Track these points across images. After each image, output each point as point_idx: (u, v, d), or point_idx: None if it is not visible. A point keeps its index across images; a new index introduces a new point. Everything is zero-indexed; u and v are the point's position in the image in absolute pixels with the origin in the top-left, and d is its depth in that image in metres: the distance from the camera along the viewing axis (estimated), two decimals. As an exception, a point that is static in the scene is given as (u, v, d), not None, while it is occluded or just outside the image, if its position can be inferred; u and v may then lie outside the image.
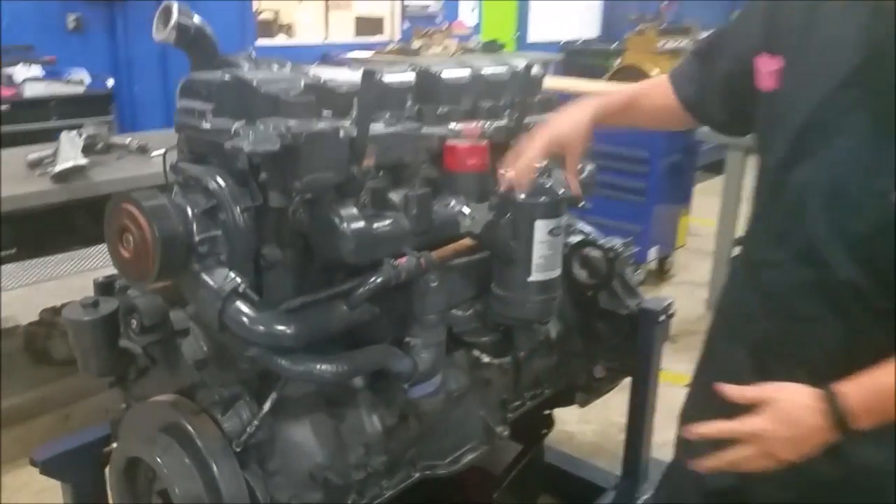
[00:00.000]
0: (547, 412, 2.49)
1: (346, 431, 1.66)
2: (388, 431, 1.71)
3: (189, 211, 1.38)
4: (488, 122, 1.87)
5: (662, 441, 2.40)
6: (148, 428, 1.51)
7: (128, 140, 3.08)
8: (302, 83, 1.49)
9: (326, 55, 7.66)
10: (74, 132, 2.79)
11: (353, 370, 1.51)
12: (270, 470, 1.54)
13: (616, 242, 2.17)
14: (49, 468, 1.74)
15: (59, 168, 2.59)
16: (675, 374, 3.49)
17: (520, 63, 2.02)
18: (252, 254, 1.46)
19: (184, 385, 1.57)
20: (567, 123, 1.54)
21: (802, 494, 1.30)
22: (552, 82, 5.18)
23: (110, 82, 5.40)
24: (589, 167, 2.13)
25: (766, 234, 1.33)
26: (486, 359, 1.89)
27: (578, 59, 9.49)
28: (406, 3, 9.27)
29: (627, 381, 2.36)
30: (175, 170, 1.48)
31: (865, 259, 1.18)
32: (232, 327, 1.39)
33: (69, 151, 2.65)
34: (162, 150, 1.63)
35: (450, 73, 1.84)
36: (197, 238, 1.38)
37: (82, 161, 2.64)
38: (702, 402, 1.54)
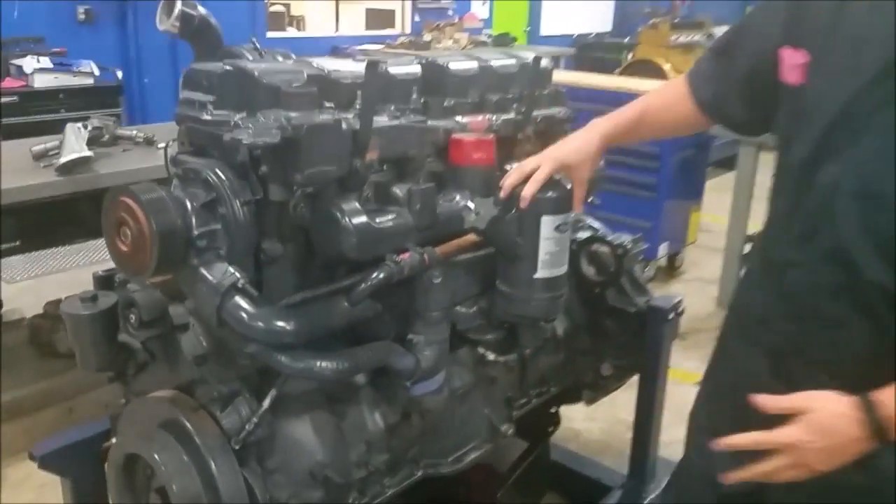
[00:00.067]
0: (553, 410, 2.46)
1: (347, 429, 1.63)
2: (390, 429, 1.69)
3: (188, 204, 1.35)
4: (496, 116, 1.84)
5: (670, 439, 2.38)
6: (146, 424, 1.49)
7: (134, 132, 3.06)
8: (305, 74, 1.46)
9: (336, 48, 7.64)
10: (80, 124, 2.77)
11: (355, 368, 1.48)
12: (270, 468, 1.52)
13: (625, 239, 2.14)
14: (48, 463, 1.72)
15: (63, 160, 2.57)
16: (684, 372, 3.48)
17: (529, 55, 1.98)
18: (252, 248, 1.44)
19: (183, 381, 1.54)
20: (574, 148, 1.54)
21: (820, 498, 1.26)
22: (564, 76, 5.15)
23: (119, 74, 5.37)
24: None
25: (789, 234, 1.28)
26: (491, 356, 1.86)
27: (591, 54, 9.44)
28: (417, -5, 9.23)
29: (635, 378, 2.33)
30: (175, 162, 1.46)
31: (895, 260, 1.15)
32: (231, 323, 1.36)
33: (74, 143, 2.63)
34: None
35: (456, 65, 1.81)
36: (196, 232, 1.35)
37: (87, 153, 2.62)
38: (714, 403, 1.51)
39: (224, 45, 1.73)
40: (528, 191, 1.50)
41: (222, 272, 1.36)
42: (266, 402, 1.47)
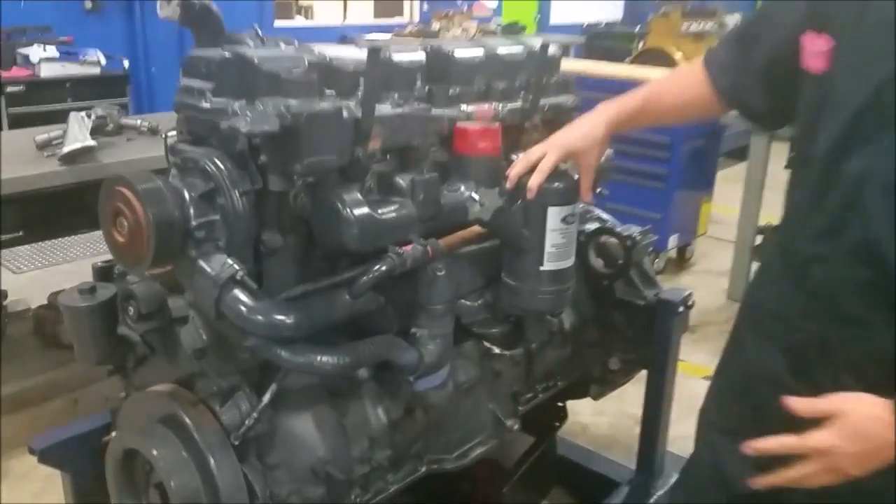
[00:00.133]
0: (560, 404, 2.43)
1: (349, 424, 1.61)
2: (393, 424, 1.66)
3: (186, 194, 1.32)
4: (502, 104, 1.81)
5: (679, 434, 2.35)
6: (145, 419, 1.47)
7: (138, 121, 3.03)
8: (306, 61, 1.43)
9: (344, 37, 7.55)
10: (83, 113, 2.74)
11: (356, 362, 1.45)
12: (270, 464, 1.49)
13: (634, 230, 2.10)
14: (48, 457, 1.70)
15: (66, 149, 2.55)
16: (693, 366, 3.45)
17: (536, 42, 1.94)
18: (251, 240, 1.40)
19: (183, 374, 1.52)
20: (580, 135, 1.50)
21: (838, 500, 1.23)
22: (574, 65, 5.10)
23: (126, 63, 5.36)
24: (607, 152, 2.05)
25: (812, 228, 1.24)
26: (496, 350, 1.83)
27: (601, 42, 9.36)
28: (426, -16, 9.17)
29: (644, 372, 2.30)
30: (173, 151, 1.42)
31: None
32: (229, 316, 1.33)
33: (77, 132, 2.61)
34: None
35: (462, 53, 1.77)
36: (194, 223, 1.31)
37: (90, 142, 2.60)
38: (726, 401, 1.47)
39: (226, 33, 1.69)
40: (535, 181, 1.46)
41: (221, 264, 1.33)
42: (266, 397, 1.45)
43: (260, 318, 1.33)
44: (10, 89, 4.62)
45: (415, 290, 1.55)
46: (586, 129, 1.50)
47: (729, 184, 5.21)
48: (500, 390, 1.93)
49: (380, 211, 1.45)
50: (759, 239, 4.32)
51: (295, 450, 1.53)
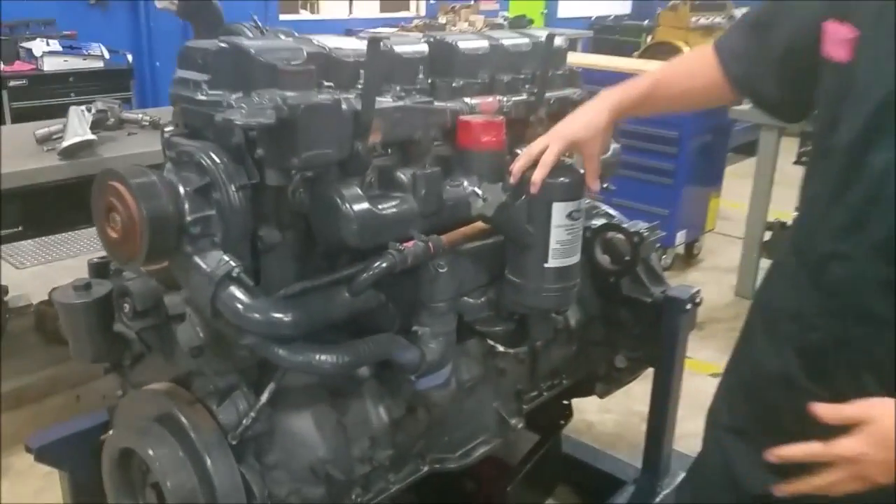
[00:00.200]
0: (565, 402, 2.40)
1: (350, 423, 1.58)
2: (395, 423, 1.63)
3: (180, 189, 1.29)
4: (506, 97, 1.77)
5: (685, 432, 2.33)
6: (141, 418, 1.44)
7: (140, 115, 3.01)
8: (304, 52, 1.39)
9: (350, 31, 7.55)
10: (83, 107, 2.72)
11: (356, 361, 1.42)
12: (269, 464, 1.46)
13: (641, 226, 2.07)
14: (45, 455, 1.68)
15: (66, 143, 2.52)
16: (701, 363, 3.42)
17: (542, 34, 1.90)
18: (248, 236, 1.37)
19: (180, 373, 1.49)
20: (582, 124, 1.45)
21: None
22: (581, 59, 5.06)
23: (130, 57, 5.33)
24: (614, 146, 2.02)
25: (832, 224, 1.19)
26: (500, 348, 1.80)
27: (609, 36, 9.31)
28: (433, -23, 9.11)
29: (650, 369, 2.26)
30: (168, 145, 1.39)
31: None
32: (225, 314, 1.30)
33: (77, 127, 2.58)
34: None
35: (466, 44, 1.74)
36: (189, 218, 1.29)
37: (90, 136, 2.57)
38: (737, 402, 1.43)
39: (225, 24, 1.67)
40: (538, 175, 1.42)
41: (217, 261, 1.30)
42: (264, 396, 1.42)
43: (257, 316, 1.30)
44: (12, 83, 4.59)
45: (416, 287, 1.52)
46: (589, 118, 1.46)
47: (738, 179, 5.17)
48: (504, 389, 1.90)
49: (380, 206, 1.42)
50: (767, 235, 4.29)
51: (294, 449, 1.50)
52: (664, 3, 7.86)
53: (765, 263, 4.30)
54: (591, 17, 10.26)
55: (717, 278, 4.58)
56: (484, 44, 1.78)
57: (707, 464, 1.52)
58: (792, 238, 1.34)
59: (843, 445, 1.07)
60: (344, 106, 1.34)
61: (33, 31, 5.07)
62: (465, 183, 1.58)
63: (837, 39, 1.15)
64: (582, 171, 1.49)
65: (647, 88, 1.47)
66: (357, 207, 1.37)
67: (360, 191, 1.40)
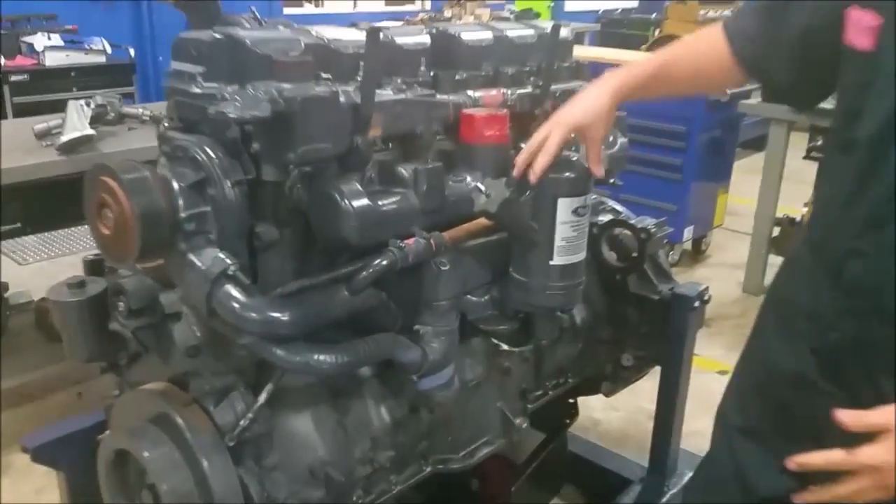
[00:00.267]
0: (571, 401, 2.36)
1: (350, 424, 1.54)
2: (396, 424, 1.60)
3: (174, 185, 1.25)
4: (511, 90, 1.73)
5: (692, 430, 2.30)
6: (136, 419, 1.41)
7: (140, 110, 2.97)
8: (302, 43, 1.35)
9: (355, 25, 7.50)
10: (82, 101, 2.69)
11: (356, 361, 1.38)
12: (267, 465, 1.43)
13: (649, 222, 2.03)
14: (41, 455, 1.65)
15: (64, 138, 2.49)
16: (708, 360, 3.38)
17: (547, 25, 1.86)
18: (245, 233, 1.34)
19: (177, 373, 1.45)
20: (586, 108, 1.41)
21: None
22: (588, 52, 5.01)
23: (132, 52, 5.30)
24: (621, 141, 1.98)
25: (851, 220, 1.15)
26: (504, 346, 1.76)
27: (616, 30, 9.24)
28: (439, -30, 9.06)
29: (657, 367, 2.22)
30: (162, 139, 1.35)
31: None
32: (221, 313, 1.27)
33: (76, 121, 2.55)
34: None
35: (469, 35, 1.70)
36: (183, 214, 1.25)
37: (89, 131, 2.54)
38: (749, 401, 1.40)
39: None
40: (540, 163, 1.38)
41: (212, 258, 1.26)
42: (262, 397, 1.38)
43: (253, 315, 1.27)
44: (14, 78, 4.57)
45: (418, 285, 1.48)
46: (590, 103, 1.41)
47: (746, 174, 5.12)
48: (509, 388, 1.87)
49: (380, 202, 1.38)
50: (776, 231, 4.25)
51: (293, 451, 1.47)
52: (672, -4, 7.81)
53: (773, 259, 4.29)
54: (598, 11, 10.20)
55: (724, 274, 4.55)
56: (488, 35, 1.74)
57: (716, 464, 1.48)
58: (808, 235, 1.29)
59: (867, 454, 1.03)
60: (342, 99, 1.30)
61: (35, 25, 5.05)
62: (468, 178, 1.54)
63: (861, 27, 1.10)
64: (588, 166, 1.44)
65: (652, 70, 1.42)
66: (356, 203, 1.33)
67: (359, 186, 1.36)
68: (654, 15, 8.92)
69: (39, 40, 4.79)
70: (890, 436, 1.02)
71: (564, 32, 1.88)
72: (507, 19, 7.67)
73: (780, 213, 4.25)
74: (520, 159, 1.41)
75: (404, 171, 1.45)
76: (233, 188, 1.29)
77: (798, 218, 4.20)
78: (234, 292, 1.26)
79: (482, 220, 1.53)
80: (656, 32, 7.79)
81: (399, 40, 1.55)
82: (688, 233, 4.47)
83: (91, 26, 5.44)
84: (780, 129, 4.07)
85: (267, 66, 1.27)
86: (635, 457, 2.49)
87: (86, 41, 5.06)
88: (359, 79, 1.40)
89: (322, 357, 1.32)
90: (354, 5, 8.77)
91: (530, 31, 1.85)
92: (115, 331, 1.48)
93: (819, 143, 3.91)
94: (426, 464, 1.73)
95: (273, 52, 1.27)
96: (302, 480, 1.46)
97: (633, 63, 1.43)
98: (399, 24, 7.57)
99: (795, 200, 4.39)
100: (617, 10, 10.35)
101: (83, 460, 1.67)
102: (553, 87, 1.80)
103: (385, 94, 1.44)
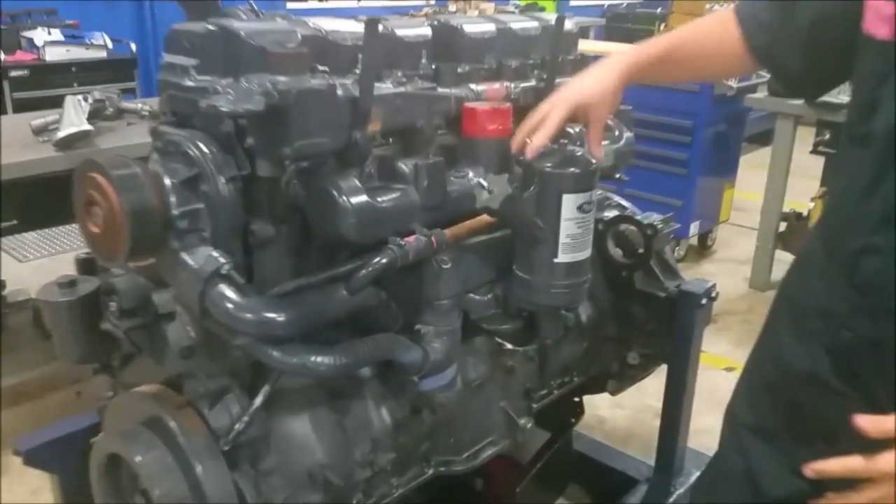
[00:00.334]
0: (576, 399, 2.33)
1: (350, 426, 1.51)
2: (397, 425, 1.56)
3: (166, 181, 1.21)
4: (514, 83, 1.69)
5: (699, 428, 2.26)
6: (128, 422, 1.37)
7: (139, 105, 2.93)
8: (298, 35, 1.31)
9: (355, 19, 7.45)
10: (80, 96, 2.65)
11: (354, 363, 1.34)
12: (264, 469, 1.39)
13: (655, 218, 1.99)
14: (34, 458, 1.61)
15: (61, 134, 2.46)
16: (714, 357, 3.34)
17: (551, 17, 1.82)
18: (240, 230, 1.30)
19: (170, 374, 1.42)
20: (591, 86, 1.36)
21: None
22: (594, 46, 4.97)
23: (133, 47, 5.26)
24: (627, 135, 1.94)
25: (866, 216, 1.10)
26: (508, 345, 1.72)
27: (622, 24, 9.19)
28: (443, -36, 9.01)
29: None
30: (155, 134, 1.32)
31: None
32: (215, 314, 1.23)
33: (73, 117, 2.52)
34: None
35: (472, 28, 1.65)
36: (175, 212, 1.21)
37: (86, 127, 2.50)
38: (760, 401, 1.35)
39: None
40: (539, 139, 1.33)
41: (205, 257, 1.22)
42: (258, 399, 1.35)
43: (248, 315, 1.23)
44: (14, 74, 4.52)
45: (419, 284, 1.44)
46: (596, 80, 1.37)
47: (752, 169, 5.09)
48: (513, 387, 1.83)
49: (380, 199, 1.34)
50: (783, 226, 4.21)
51: (290, 454, 1.43)
52: (677, -10, 7.75)
53: (780, 255, 4.25)
54: (603, 6, 10.14)
55: (731, 270, 4.52)
56: (491, 27, 1.70)
57: (724, 464, 1.44)
58: (820, 231, 1.25)
59: (886, 461, 0.99)
60: (340, 92, 1.26)
61: (35, 20, 5.00)
62: (470, 174, 1.49)
63: (881, 15, 1.06)
64: (594, 161, 1.40)
65: (661, 51, 1.38)
66: (355, 200, 1.29)
67: (358, 182, 1.32)
68: (659, 10, 8.86)
69: (39, 35, 4.74)
70: None
71: (569, 25, 1.84)
72: (511, 13, 7.64)
73: (786, 208, 4.22)
74: (518, 136, 1.37)
75: (404, 166, 1.41)
76: (227, 184, 1.25)
77: (805, 213, 4.16)
78: (228, 292, 1.22)
79: (484, 217, 1.49)
80: (662, 27, 7.73)
81: (399, 32, 1.51)
82: (693, 228, 4.44)
83: (92, 21, 5.39)
84: (786, 123, 4.03)
85: (261, 58, 1.22)
86: (641, 455, 2.46)
87: (87, 36, 5.01)
88: (357, 71, 1.36)
89: (319, 358, 1.28)
90: (358, 0, 8.72)
91: (534, 24, 1.81)
92: (108, 331, 1.44)
93: (826, 137, 3.86)
94: (428, 466, 1.70)
95: (268, 44, 1.23)
96: (299, 484, 1.43)
97: (643, 43, 1.39)
98: (403, 18, 7.54)
99: (802, 195, 4.35)
100: (622, 4, 10.28)
101: (77, 463, 1.64)
102: (557, 80, 1.75)
103: (385, 87, 1.40)
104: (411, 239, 1.35)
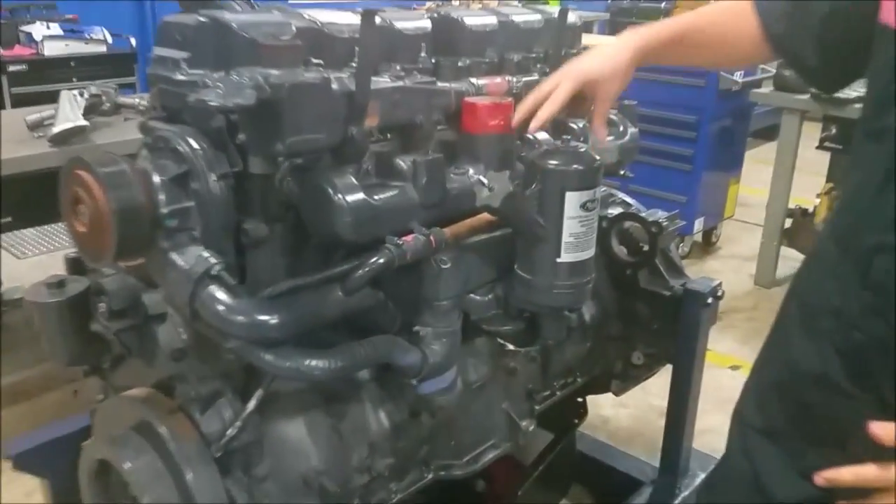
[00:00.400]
0: (580, 399, 2.29)
1: (347, 430, 1.47)
2: (396, 429, 1.52)
3: (155, 178, 1.17)
4: (516, 77, 1.65)
5: (704, 428, 2.22)
6: (118, 427, 1.33)
7: (137, 100, 2.89)
8: (293, 27, 1.27)
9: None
10: (76, 91, 2.61)
11: (350, 366, 1.30)
12: (257, 476, 1.35)
13: (660, 215, 1.95)
14: (23, 463, 1.57)
15: (56, 130, 2.42)
16: (719, 355, 3.30)
17: (554, 10, 1.77)
18: (231, 229, 1.25)
19: (162, 377, 1.38)
20: (603, 62, 1.32)
21: None
22: (597, 41, 4.91)
23: (133, 41, 5.22)
24: (632, 131, 1.90)
25: (880, 213, 1.06)
26: (510, 345, 1.68)
27: (625, 19, 9.12)
28: (446, -42, 8.95)
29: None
30: (144, 129, 1.27)
31: None
32: (205, 316, 1.18)
33: (69, 112, 2.48)
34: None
35: (472, 20, 1.61)
36: (164, 210, 1.17)
37: (82, 122, 2.47)
38: (769, 402, 1.31)
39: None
40: (544, 112, 1.29)
41: (195, 257, 1.18)
42: (251, 404, 1.31)
43: (240, 318, 1.18)
44: (12, 68, 4.48)
45: (418, 284, 1.40)
46: (608, 57, 1.32)
47: (758, 164, 5.04)
48: (515, 389, 1.79)
49: (376, 196, 1.29)
50: (788, 222, 4.18)
51: (285, 459, 1.39)
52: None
53: (786, 251, 4.21)
54: (607, 0, 10.08)
55: (735, 266, 4.48)
56: (492, 20, 1.66)
57: (730, 465, 1.40)
58: (832, 228, 1.21)
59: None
60: (335, 86, 1.21)
61: (34, 14, 4.97)
62: (471, 171, 1.45)
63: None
64: (598, 158, 1.36)
65: (677, 32, 1.34)
66: (351, 198, 1.25)
67: (354, 179, 1.27)
68: (663, 4, 8.81)
69: (38, 30, 4.71)
70: None
71: (572, 18, 1.80)
72: (514, 6, 7.59)
73: (792, 204, 4.18)
74: (522, 107, 1.33)
75: (403, 163, 1.36)
76: (218, 182, 1.20)
77: (811, 209, 4.12)
78: (219, 294, 1.18)
79: (485, 215, 1.45)
80: (666, 21, 7.69)
81: (398, 24, 1.47)
82: (698, 224, 4.41)
83: (92, 15, 5.35)
84: (792, 118, 3.99)
85: (254, 50, 1.18)
86: (646, 456, 2.43)
87: (86, 31, 4.97)
88: (354, 65, 1.32)
89: (314, 362, 1.24)
90: (361, -6, 8.68)
91: (537, 17, 1.77)
92: (98, 332, 1.40)
93: (833, 132, 3.82)
94: (427, 470, 1.66)
95: (260, 36, 1.18)
96: (294, 491, 1.39)
97: (659, 23, 1.35)
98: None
99: (808, 191, 4.31)
100: (626, -1, 10.24)
101: (69, 468, 1.60)
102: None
103: (382, 81, 1.36)
104: (409, 238, 1.31)
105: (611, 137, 1.85)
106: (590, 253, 1.41)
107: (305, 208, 1.28)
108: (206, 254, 1.19)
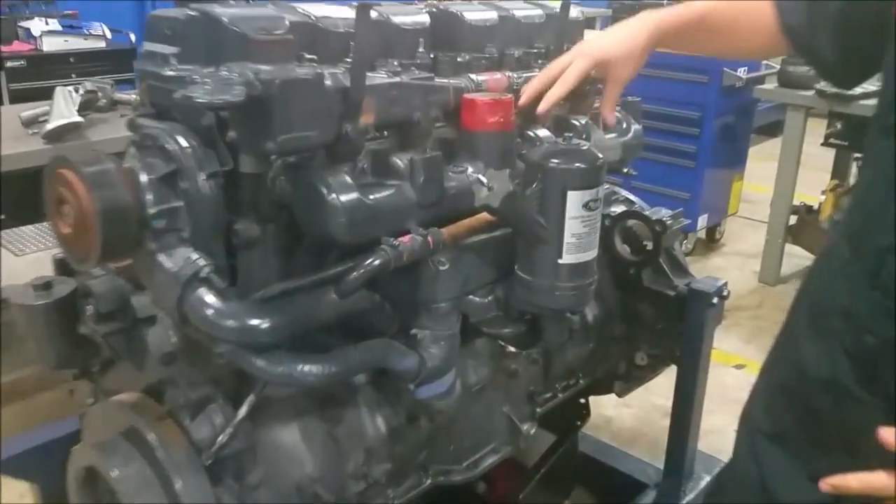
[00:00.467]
0: (582, 401, 2.26)
1: (342, 435, 1.43)
2: (393, 434, 1.48)
3: (142, 177, 1.13)
4: (517, 73, 1.61)
5: (708, 428, 2.18)
6: (106, 432, 1.30)
7: (133, 96, 2.85)
8: (286, 22, 1.23)
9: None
10: (70, 87, 2.58)
11: (345, 371, 1.26)
12: (249, 484, 1.32)
13: (664, 213, 1.91)
14: (11, 467, 1.54)
15: (50, 126, 2.38)
16: (724, 353, 3.26)
17: (556, 4, 1.74)
18: (221, 230, 1.21)
19: (151, 381, 1.34)
20: (616, 43, 1.30)
21: None
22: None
23: (133, 37, 5.18)
24: (635, 128, 1.86)
25: (893, 213, 1.03)
26: (510, 347, 1.64)
27: (629, 16, 9.10)
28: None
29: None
30: (132, 126, 1.23)
31: None
32: (194, 320, 1.15)
33: (63, 108, 2.45)
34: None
35: (472, 15, 1.57)
36: (152, 210, 1.13)
37: (76, 118, 2.44)
38: (777, 404, 1.28)
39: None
40: (555, 92, 1.26)
41: (184, 259, 1.14)
42: (243, 410, 1.27)
43: (230, 322, 1.14)
44: (10, 64, 4.44)
45: (415, 286, 1.36)
46: (622, 38, 1.30)
47: (762, 161, 5.00)
48: (516, 391, 1.76)
49: (372, 196, 1.25)
50: (793, 219, 4.14)
51: (278, 466, 1.35)
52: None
53: (790, 249, 4.18)
54: (610, -3, 10.04)
55: (739, 264, 4.45)
56: (492, 14, 1.62)
57: (739, 472, 1.37)
58: (844, 227, 1.18)
59: None
60: (328, 81, 1.17)
61: (32, 10, 4.93)
62: (470, 169, 1.41)
63: None
64: (601, 156, 1.32)
65: (692, 18, 1.31)
66: (345, 198, 1.21)
67: (348, 178, 1.23)
68: (666, 1, 8.77)
69: (37, 25, 4.66)
70: None
71: (574, 13, 1.76)
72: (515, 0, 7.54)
73: (796, 201, 4.16)
74: (530, 87, 1.29)
75: (399, 161, 1.32)
76: (207, 181, 1.16)
77: (815, 206, 4.09)
78: (208, 297, 1.14)
79: (484, 215, 1.41)
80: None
81: (395, 19, 1.43)
82: (702, 221, 4.39)
83: (91, 11, 5.31)
84: (796, 114, 3.96)
85: (244, 45, 1.14)
86: (649, 457, 2.40)
87: (85, 26, 4.93)
88: (349, 60, 1.28)
89: (307, 367, 1.20)
90: (361, -11, 8.63)
91: (538, 11, 1.74)
92: (86, 335, 1.36)
93: (838, 128, 3.79)
94: (426, 476, 1.62)
95: (251, 31, 1.14)
96: (288, 499, 1.35)
97: (675, 7, 1.32)
98: (405, 7, 7.46)
99: (813, 188, 4.28)
100: (629, -6, 10.19)
101: (58, 472, 1.57)
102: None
103: (379, 77, 1.32)
104: (406, 239, 1.27)
105: (614, 134, 1.81)
106: (592, 254, 1.37)
107: (298, 208, 1.24)
108: (194, 255, 1.15)
